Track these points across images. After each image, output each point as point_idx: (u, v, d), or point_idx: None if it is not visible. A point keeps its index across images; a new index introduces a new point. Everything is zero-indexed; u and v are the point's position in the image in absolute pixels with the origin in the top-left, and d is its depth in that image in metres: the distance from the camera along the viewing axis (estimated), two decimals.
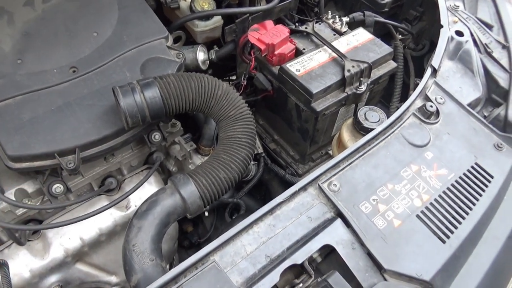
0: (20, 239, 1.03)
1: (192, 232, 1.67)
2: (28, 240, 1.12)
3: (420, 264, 0.88)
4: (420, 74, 1.72)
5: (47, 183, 1.07)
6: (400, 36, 1.68)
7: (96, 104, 1.08)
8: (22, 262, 1.10)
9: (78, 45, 1.17)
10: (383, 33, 1.69)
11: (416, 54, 1.80)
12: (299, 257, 0.87)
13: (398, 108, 1.58)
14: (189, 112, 1.13)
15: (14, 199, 1.06)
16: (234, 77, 1.76)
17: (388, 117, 1.21)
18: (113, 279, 1.28)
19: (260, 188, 1.71)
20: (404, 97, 1.63)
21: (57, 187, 1.08)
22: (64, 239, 1.15)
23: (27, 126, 1.01)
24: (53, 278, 1.15)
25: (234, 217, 1.60)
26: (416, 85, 1.38)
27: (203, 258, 0.84)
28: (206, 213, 1.60)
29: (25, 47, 1.13)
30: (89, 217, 1.07)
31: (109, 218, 1.20)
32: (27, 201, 1.09)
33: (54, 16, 1.21)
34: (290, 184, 1.50)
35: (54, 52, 1.14)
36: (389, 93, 1.63)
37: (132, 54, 1.19)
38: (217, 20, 1.49)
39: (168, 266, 1.30)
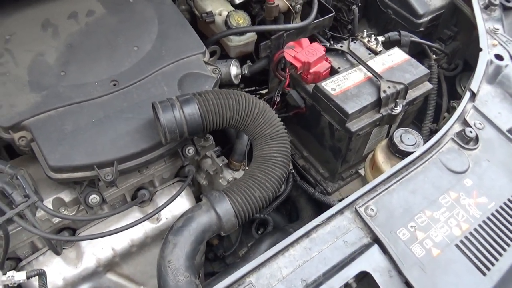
0: (57, 248, 1.05)
1: (217, 245, 1.67)
2: (63, 249, 1.14)
3: None
4: (451, 94, 1.70)
5: (84, 193, 1.09)
6: (434, 56, 1.66)
7: (135, 117, 1.10)
8: (56, 270, 1.12)
9: (119, 59, 1.19)
10: (416, 52, 1.68)
11: (448, 74, 1.78)
12: (335, 283, 0.86)
13: (430, 129, 1.57)
14: (224, 128, 1.13)
15: (51, 207, 1.08)
16: (264, 91, 1.77)
17: (422, 139, 1.20)
18: None
19: (286, 204, 1.71)
20: (436, 118, 1.61)
21: (94, 198, 1.09)
22: (97, 248, 1.16)
23: (69, 137, 1.04)
24: (84, 287, 1.16)
25: (260, 232, 1.60)
26: (452, 107, 1.36)
27: (240, 279, 0.84)
28: None
29: (69, 59, 1.16)
30: (123, 230, 1.08)
31: (141, 230, 1.21)
32: (63, 210, 1.11)
33: (96, 29, 1.24)
34: (318, 202, 1.51)
35: (96, 65, 1.17)
36: (421, 112, 1.61)
37: (170, 68, 1.20)
38: (251, 36, 1.50)
39: None
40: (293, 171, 1.55)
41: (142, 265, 1.25)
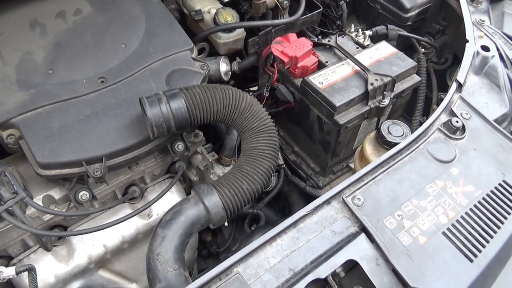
0: (47, 244, 1.05)
1: (210, 241, 1.67)
2: (54, 246, 1.14)
3: (447, 283, 0.86)
4: (442, 88, 1.71)
5: (73, 190, 1.10)
6: (423, 49, 1.67)
7: (123, 113, 1.11)
8: (47, 267, 1.12)
9: (107, 56, 1.20)
10: (405, 46, 1.69)
11: (439, 68, 1.79)
12: (322, 271, 0.86)
13: (420, 122, 1.58)
14: (212, 123, 1.14)
15: (41, 205, 1.08)
16: (254, 88, 1.78)
17: (411, 131, 1.20)
18: (134, 286, 1.29)
19: (279, 199, 1.71)
20: (426, 111, 1.62)
21: (83, 194, 1.10)
22: (88, 245, 1.17)
23: (57, 134, 1.04)
24: (76, 284, 1.17)
25: (253, 228, 1.60)
26: (440, 99, 1.37)
27: (227, 270, 0.84)
28: (226, 223, 1.60)
29: (56, 57, 1.17)
30: (113, 225, 1.08)
31: (132, 226, 1.22)
32: (53, 207, 1.12)
33: (84, 28, 1.24)
34: (310, 196, 1.51)
35: (84, 63, 1.17)
36: (411, 106, 1.62)
37: (158, 65, 1.21)
38: (239, 32, 1.51)
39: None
40: (284, 166, 1.55)
41: (133, 261, 1.26)
